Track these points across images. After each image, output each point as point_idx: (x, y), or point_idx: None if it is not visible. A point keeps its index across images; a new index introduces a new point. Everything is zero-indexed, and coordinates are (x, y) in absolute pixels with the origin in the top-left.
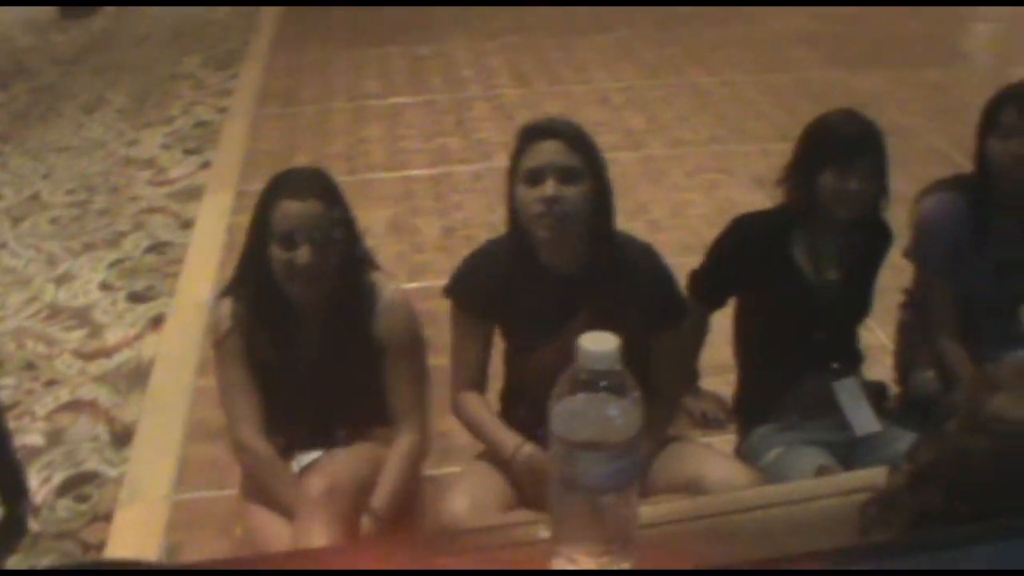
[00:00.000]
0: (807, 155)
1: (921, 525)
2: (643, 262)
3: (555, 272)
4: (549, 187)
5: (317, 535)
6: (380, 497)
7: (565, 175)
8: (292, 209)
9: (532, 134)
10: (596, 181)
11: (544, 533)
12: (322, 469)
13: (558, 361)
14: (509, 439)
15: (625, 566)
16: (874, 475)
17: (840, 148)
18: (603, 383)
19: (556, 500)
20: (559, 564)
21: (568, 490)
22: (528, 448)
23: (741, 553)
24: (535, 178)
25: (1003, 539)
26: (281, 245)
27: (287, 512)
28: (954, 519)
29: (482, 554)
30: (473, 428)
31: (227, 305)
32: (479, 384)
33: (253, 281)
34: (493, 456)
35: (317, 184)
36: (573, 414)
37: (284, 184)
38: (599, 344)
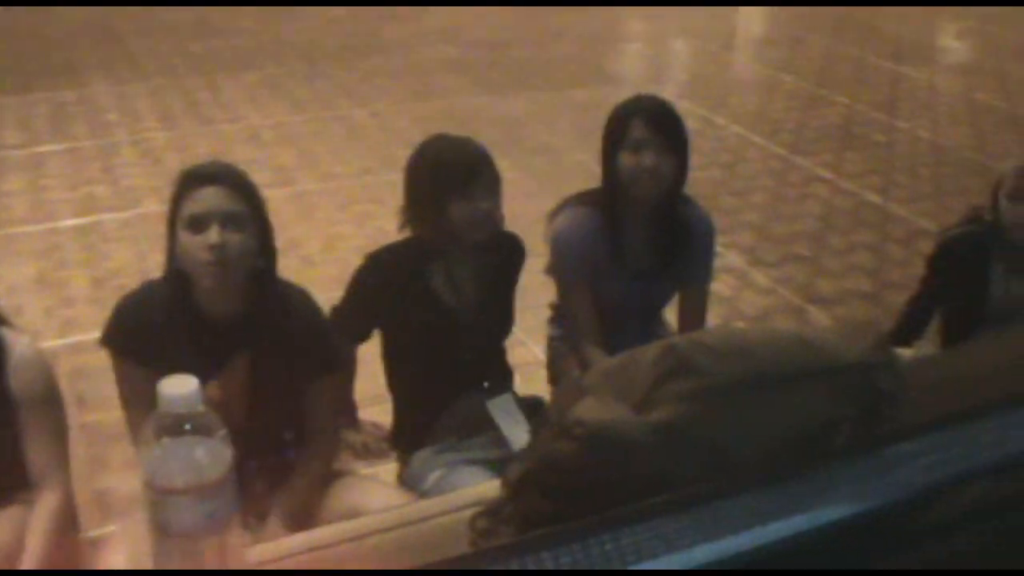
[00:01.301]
0: (428, 189)
1: (529, 531)
2: (300, 308)
3: (213, 316)
4: (214, 234)
5: None
6: (28, 563)
7: (230, 221)
8: None
9: (194, 179)
10: (259, 225)
11: None
12: None
13: (221, 404)
14: None
15: None
16: (486, 489)
17: (463, 175)
18: (187, 425)
19: (156, 548)
20: None
21: (164, 538)
22: None
23: None
24: (199, 224)
25: (590, 536)
26: None
27: None
28: (560, 521)
29: None
30: None
31: None
32: None
33: None
34: None
35: None
36: (161, 459)
37: None
38: (178, 387)
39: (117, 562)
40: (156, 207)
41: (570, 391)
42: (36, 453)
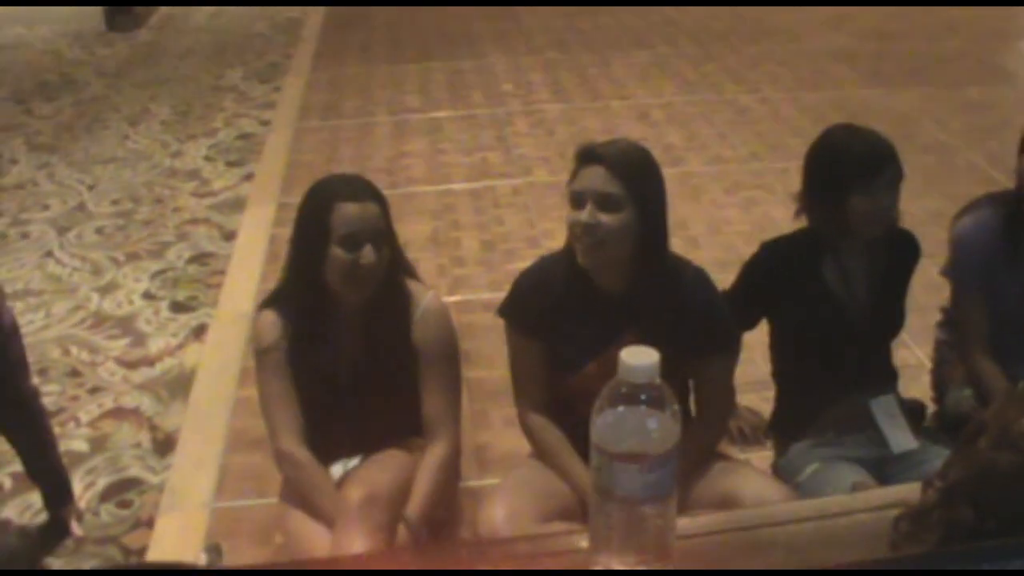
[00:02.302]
0: (829, 180)
1: (951, 541)
2: (694, 287)
3: (605, 292)
4: (586, 213)
5: (356, 543)
6: (414, 506)
7: (603, 202)
8: (353, 211)
9: (582, 156)
10: (640, 208)
11: (583, 543)
12: (361, 477)
13: (601, 379)
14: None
15: None
16: (906, 491)
17: (865, 168)
18: (643, 396)
19: (595, 510)
20: None
21: (606, 500)
22: None
23: (774, 565)
24: (577, 202)
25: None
26: (344, 247)
27: (327, 520)
28: (984, 535)
29: (521, 564)
30: (545, 456)
31: (270, 316)
32: (543, 402)
33: (303, 287)
34: (537, 464)
35: (368, 187)
36: (613, 426)
37: (337, 188)
38: (639, 358)
39: (495, 515)
40: (546, 177)
41: (1015, 402)
42: (432, 402)
